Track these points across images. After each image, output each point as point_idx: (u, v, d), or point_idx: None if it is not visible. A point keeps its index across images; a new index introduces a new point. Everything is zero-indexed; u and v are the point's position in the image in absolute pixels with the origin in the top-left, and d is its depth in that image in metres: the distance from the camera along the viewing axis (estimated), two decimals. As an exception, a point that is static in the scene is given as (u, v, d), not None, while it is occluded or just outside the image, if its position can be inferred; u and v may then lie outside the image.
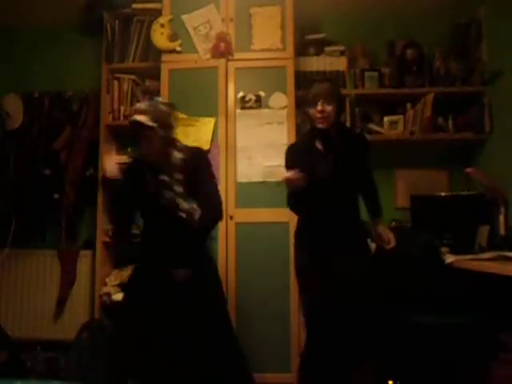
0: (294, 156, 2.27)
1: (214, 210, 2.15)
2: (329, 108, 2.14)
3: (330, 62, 3.16)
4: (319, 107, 2.13)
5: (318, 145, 2.22)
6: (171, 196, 2.09)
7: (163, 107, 2.13)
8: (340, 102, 2.23)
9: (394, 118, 3.14)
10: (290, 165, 2.20)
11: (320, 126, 2.17)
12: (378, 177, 3.28)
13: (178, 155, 2.13)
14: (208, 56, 2.89)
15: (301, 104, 2.26)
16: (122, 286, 2.73)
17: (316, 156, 2.21)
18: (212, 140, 2.81)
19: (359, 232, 2.27)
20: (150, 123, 2.02)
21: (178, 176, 2.10)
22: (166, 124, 2.09)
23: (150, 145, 2.08)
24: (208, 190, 2.14)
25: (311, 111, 2.17)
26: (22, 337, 3.14)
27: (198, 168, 2.14)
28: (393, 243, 2.27)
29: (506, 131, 2.85)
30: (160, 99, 2.23)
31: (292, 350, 2.66)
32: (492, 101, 2.97)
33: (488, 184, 2.71)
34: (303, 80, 3.09)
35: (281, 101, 2.82)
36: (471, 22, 3.15)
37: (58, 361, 2.96)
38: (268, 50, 2.86)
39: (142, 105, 2.12)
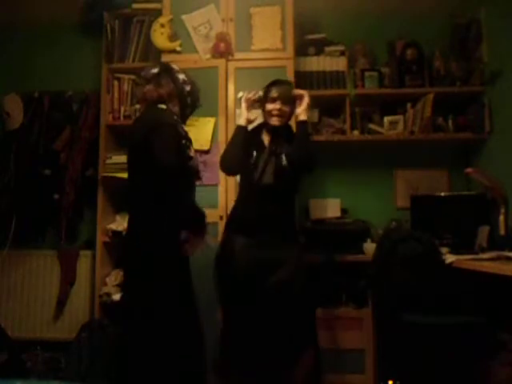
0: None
1: None
2: (287, 109, 2.26)
3: (330, 62, 3.16)
4: (278, 105, 2.24)
5: (265, 137, 2.32)
6: None
7: None
8: (293, 107, 2.30)
9: (394, 118, 3.14)
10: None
11: (274, 123, 2.26)
12: (378, 177, 3.34)
13: None
14: (208, 56, 2.89)
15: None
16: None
17: (260, 148, 2.29)
18: (212, 140, 2.81)
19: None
20: None
21: None
22: None
23: None
24: None
25: (269, 107, 2.26)
26: (21, 337, 3.14)
27: None
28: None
29: (506, 131, 2.85)
30: None
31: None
32: (492, 101, 2.97)
33: (488, 184, 2.70)
34: (303, 80, 3.10)
35: (281, 101, 2.82)
36: (471, 21, 3.14)
37: (58, 361, 2.96)
38: (268, 49, 2.86)
39: None
